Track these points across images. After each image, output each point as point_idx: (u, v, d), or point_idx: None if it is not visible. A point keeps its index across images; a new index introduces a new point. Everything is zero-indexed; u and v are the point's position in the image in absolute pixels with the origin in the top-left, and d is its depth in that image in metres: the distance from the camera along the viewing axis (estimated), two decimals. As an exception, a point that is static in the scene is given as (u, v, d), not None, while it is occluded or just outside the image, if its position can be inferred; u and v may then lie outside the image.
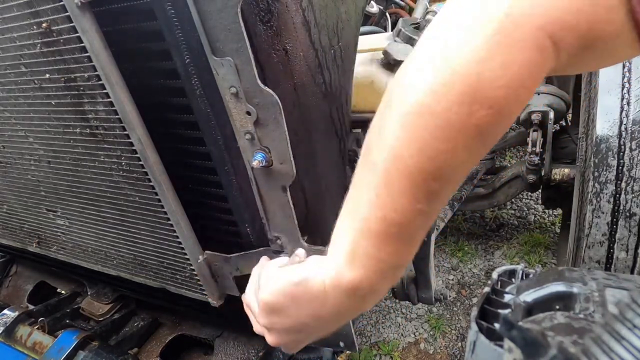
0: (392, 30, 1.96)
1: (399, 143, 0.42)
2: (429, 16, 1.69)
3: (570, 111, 2.05)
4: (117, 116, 0.76)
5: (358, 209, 0.47)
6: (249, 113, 0.71)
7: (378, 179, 0.44)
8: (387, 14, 2.12)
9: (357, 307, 0.52)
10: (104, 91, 0.73)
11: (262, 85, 0.67)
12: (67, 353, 1.12)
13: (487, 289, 0.45)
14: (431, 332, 2.11)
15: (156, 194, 0.85)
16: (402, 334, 2.13)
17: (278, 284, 0.55)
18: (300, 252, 0.69)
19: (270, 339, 0.59)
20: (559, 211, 2.48)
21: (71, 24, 0.68)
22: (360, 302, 0.51)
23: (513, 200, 2.63)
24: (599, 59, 0.44)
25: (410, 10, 2.24)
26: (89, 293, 1.49)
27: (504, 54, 0.38)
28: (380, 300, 0.61)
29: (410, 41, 1.23)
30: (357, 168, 0.48)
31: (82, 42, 0.69)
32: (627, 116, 1.11)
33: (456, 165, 0.42)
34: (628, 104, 1.11)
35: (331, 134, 0.92)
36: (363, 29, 1.74)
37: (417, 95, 0.41)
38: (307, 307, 0.53)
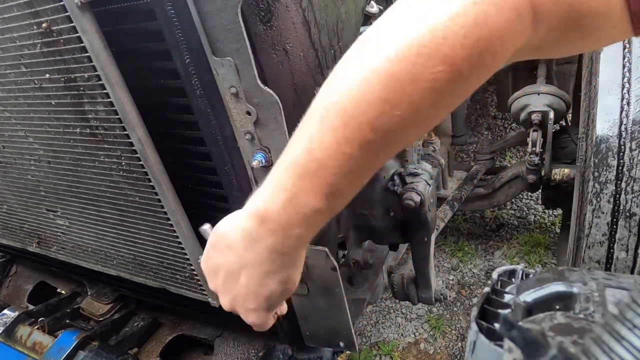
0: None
1: (346, 82, 0.41)
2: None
3: (570, 111, 2.05)
4: (117, 116, 0.76)
5: (290, 145, 0.46)
6: (249, 113, 0.71)
7: (316, 115, 0.43)
8: (387, 14, 2.12)
9: (269, 244, 0.49)
10: (104, 91, 0.73)
11: (262, 85, 0.67)
12: (67, 353, 1.12)
13: (487, 289, 0.45)
14: (431, 332, 2.11)
15: (156, 194, 0.85)
16: (402, 334, 2.13)
17: (206, 248, 0.57)
18: (206, 226, 0.68)
19: (222, 302, 0.58)
20: (559, 211, 2.48)
21: (71, 24, 0.68)
22: (269, 235, 0.48)
23: (513, 200, 2.63)
24: (586, 38, 0.43)
25: (410, 10, 2.23)
26: (89, 293, 1.49)
27: (478, 11, 0.36)
28: (302, 253, 0.53)
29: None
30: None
31: (82, 42, 0.69)
32: (627, 116, 1.11)
33: (399, 120, 0.40)
34: (628, 104, 1.11)
35: (331, 134, 0.92)
36: (363, 29, 1.74)
37: (377, 40, 0.40)
38: (227, 251, 0.52)
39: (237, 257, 0.52)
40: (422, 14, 0.38)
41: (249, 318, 0.57)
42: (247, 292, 0.54)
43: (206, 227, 0.67)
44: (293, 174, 0.44)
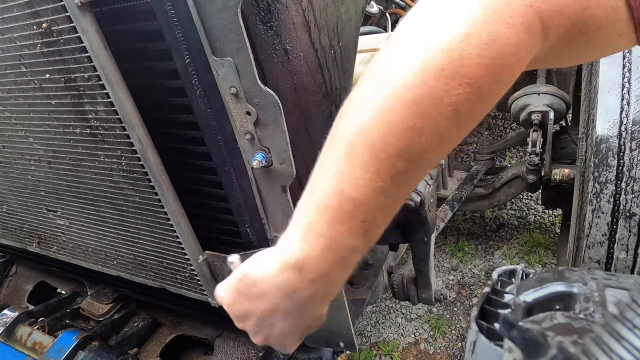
0: (392, 30, 1.96)
1: (367, 115, 0.40)
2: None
3: (570, 111, 2.05)
4: (117, 116, 0.76)
5: (317, 185, 0.44)
6: (249, 113, 0.71)
7: (341, 152, 0.42)
8: (387, 14, 2.12)
9: (310, 293, 0.48)
10: (104, 91, 0.73)
11: (262, 86, 0.67)
12: (67, 353, 1.12)
13: (487, 289, 0.45)
14: (431, 332, 2.11)
15: (156, 194, 0.85)
16: (402, 334, 2.13)
17: (227, 288, 0.54)
18: (233, 257, 0.64)
19: (253, 340, 0.57)
20: (559, 211, 2.48)
21: (71, 24, 0.68)
22: (309, 285, 0.47)
23: (513, 200, 2.63)
24: (592, 47, 0.43)
25: (410, 11, 2.23)
26: (89, 293, 1.49)
27: (489, 30, 0.36)
28: (339, 289, 0.53)
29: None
30: (324, 147, 0.45)
31: (82, 42, 0.69)
32: (627, 116, 1.11)
33: (426, 146, 0.39)
34: (628, 104, 1.11)
35: (331, 134, 0.92)
36: (363, 29, 1.74)
37: (392, 67, 0.39)
38: (259, 299, 0.50)
39: (272, 305, 0.50)
40: (434, 37, 0.38)
41: (284, 350, 0.58)
42: (282, 334, 0.54)
43: (234, 258, 0.63)
44: (328, 219, 0.43)
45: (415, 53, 0.38)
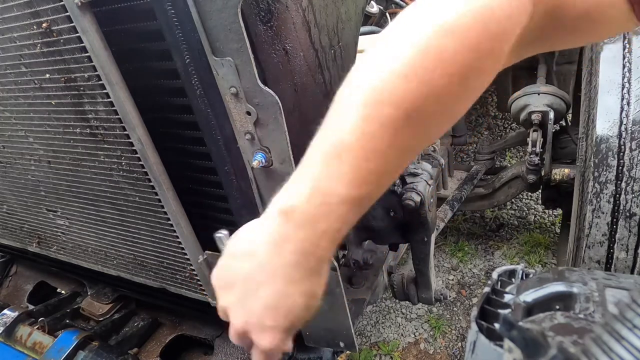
0: (392, 30, 1.95)
1: (364, 69, 0.44)
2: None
3: (570, 111, 2.05)
4: (117, 116, 0.76)
5: (314, 144, 0.46)
6: (249, 113, 0.71)
7: (339, 104, 0.45)
8: (387, 14, 2.12)
9: (297, 245, 0.45)
10: (104, 91, 0.73)
11: (262, 85, 0.67)
12: (67, 353, 1.12)
13: (487, 289, 0.45)
14: (431, 332, 2.11)
15: (156, 194, 0.85)
16: (402, 334, 2.13)
17: (220, 258, 0.53)
18: (222, 231, 0.61)
19: (232, 320, 0.51)
20: (559, 211, 2.48)
21: (71, 24, 0.68)
22: (297, 232, 0.45)
23: (513, 200, 2.63)
24: (593, 29, 0.46)
25: (410, 11, 2.23)
26: (89, 293, 1.49)
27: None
28: (328, 264, 0.49)
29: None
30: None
31: (82, 42, 0.69)
32: (627, 116, 1.11)
33: (417, 94, 0.42)
34: (628, 104, 1.11)
35: (331, 134, 0.92)
36: (363, 29, 1.74)
37: (392, 30, 0.44)
38: (248, 256, 0.48)
39: (257, 264, 0.47)
40: (444, 8, 0.42)
41: (265, 339, 0.49)
42: (265, 307, 0.48)
43: (223, 233, 0.59)
44: (317, 162, 0.44)
45: (423, 16, 0.43)
